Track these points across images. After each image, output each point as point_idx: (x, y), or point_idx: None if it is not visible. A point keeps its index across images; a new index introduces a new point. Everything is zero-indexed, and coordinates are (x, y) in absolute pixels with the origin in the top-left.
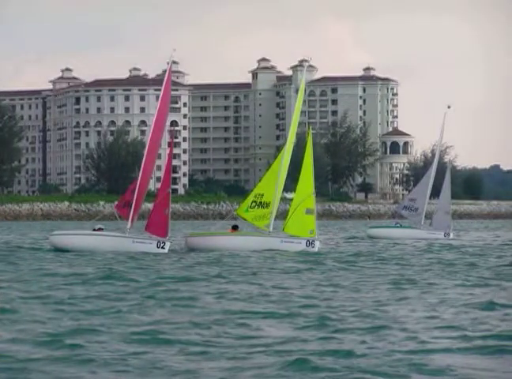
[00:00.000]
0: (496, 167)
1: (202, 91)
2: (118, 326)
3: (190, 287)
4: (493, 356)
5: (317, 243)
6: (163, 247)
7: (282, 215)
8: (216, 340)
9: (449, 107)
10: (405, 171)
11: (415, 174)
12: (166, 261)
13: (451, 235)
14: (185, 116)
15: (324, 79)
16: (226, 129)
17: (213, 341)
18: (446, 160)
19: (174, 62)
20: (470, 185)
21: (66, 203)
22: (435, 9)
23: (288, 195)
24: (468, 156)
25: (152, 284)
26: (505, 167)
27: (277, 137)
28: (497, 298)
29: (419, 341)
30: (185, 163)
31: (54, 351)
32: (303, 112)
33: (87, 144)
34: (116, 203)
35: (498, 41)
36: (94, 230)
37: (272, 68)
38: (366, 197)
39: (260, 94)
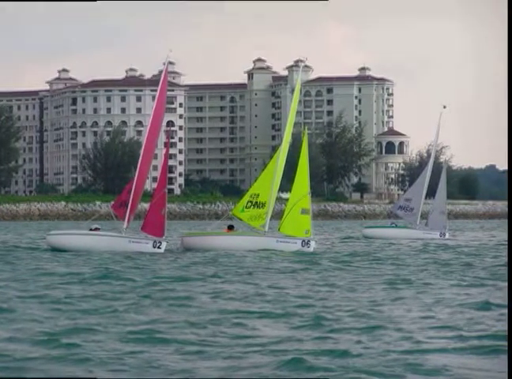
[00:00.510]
0: (492, 167)
1: (198, 92)
2: (115, 325)
3: (186, 286)
4: (488, 356)
5: (312, 243)
6: (159, 247)
7: (278, 215)
8: (212, 340)
9: (444, 107)
10: (401, 171)
11: (410, 174)
12: (162, 261)
13: (447, 235)
14: (181, 116)
15: (319, 79)
16: (222, 129)
17: (209, 340)
18: (441, 160)
19: (170, 63)
20: (466, 185)
21: (63, 203)
22: (431, 12)
23: (284, 195)
24: (464, 156)
25: (149, 284)
26: (500, 167)
27: (273, 137)
28: (492, 298)
29: (414, 341)
30: (181, 163)
31: (50, 350)
32: (298, 112)
33: (83, 144)
34: (112, 203)
35: (494, 44)
36: (91, 229)
37: (267, 68)
38: (361, 197)
39: (256, 94)
